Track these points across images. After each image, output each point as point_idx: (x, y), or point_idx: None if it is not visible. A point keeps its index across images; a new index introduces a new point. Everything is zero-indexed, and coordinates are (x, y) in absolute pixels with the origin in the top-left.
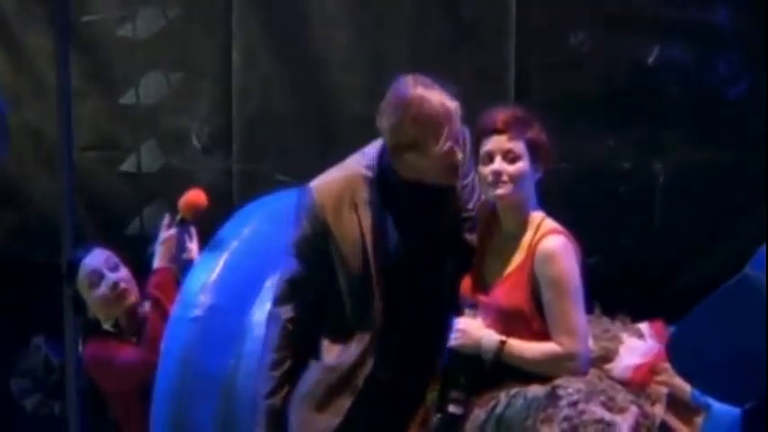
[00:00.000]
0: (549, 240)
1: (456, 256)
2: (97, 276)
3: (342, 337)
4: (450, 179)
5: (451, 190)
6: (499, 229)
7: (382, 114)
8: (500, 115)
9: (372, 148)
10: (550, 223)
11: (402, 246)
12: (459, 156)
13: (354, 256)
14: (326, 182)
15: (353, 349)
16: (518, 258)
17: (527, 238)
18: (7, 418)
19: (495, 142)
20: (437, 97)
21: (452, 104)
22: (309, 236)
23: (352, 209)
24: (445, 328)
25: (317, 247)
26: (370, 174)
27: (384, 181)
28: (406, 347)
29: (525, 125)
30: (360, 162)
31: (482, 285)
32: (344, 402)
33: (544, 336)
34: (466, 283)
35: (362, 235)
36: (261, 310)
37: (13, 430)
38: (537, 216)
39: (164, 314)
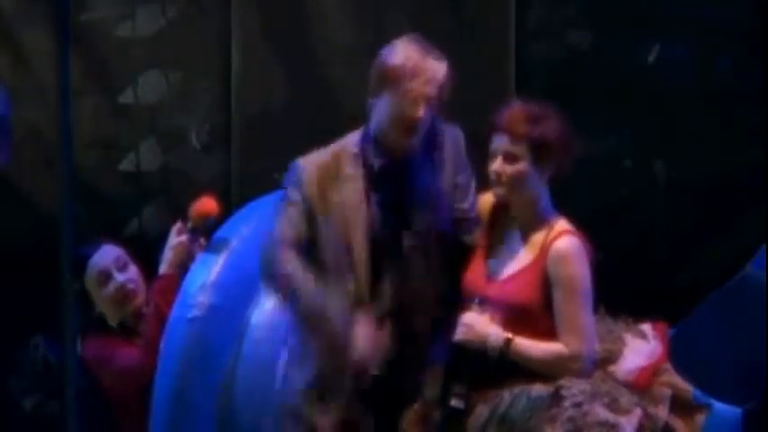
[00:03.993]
0: (564, 241)
1: (452, 256)
2: (105, 277)
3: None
4: (406, 138)
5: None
6: (508, 225)
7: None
8: (507, 114)
9: (362, 129)
10: (565, 224)
11: (383, 223)
12: (420, 113)
13: (338, 230)
14: (313, 158)
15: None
16: (530, 256)
17: (539, 237)
18: (6, 418)
19: (498, 141)
20: (412, 52)
21: (437, 65)
22: (300, 204)
23: (337, 183)
24: (435, 318)
25: (305, 216)
26: (356, 150)
27: (368, 158)
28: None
29: (532, 125)
30: (350, 139)
31: (488, 279)
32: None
33: (551, 335)
34: (470, 277)
35: (345, 209)
36: (260, 310)
37: (12, 430)
38: (550, 215)
39: (161, 320)
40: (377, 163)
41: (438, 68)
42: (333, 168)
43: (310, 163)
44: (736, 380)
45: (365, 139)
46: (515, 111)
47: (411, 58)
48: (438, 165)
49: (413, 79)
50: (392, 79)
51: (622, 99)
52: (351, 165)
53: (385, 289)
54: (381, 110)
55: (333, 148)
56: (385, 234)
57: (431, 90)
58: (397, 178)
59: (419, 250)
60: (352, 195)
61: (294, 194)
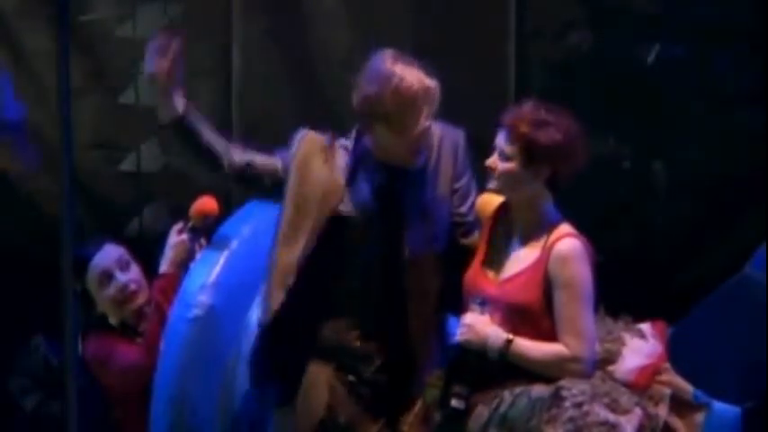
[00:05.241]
0: (566, 243)
1: (450, 259)
2: (107, 277)
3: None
4: (414, 161)
5: (420, 177)
6: (509, 225)
7: (359, 85)
8: (513, 112)
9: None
10: (566, 227)
11: (366, 234)
12: (426, 139)
13: (305, 199)
14: (314, 132)
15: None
16: (531, 257)
17: (541, 239)
18: (7, 418)
19: (498, 138)
20: (416, 74)
21: (431, 83)
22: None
23: (321, 160)
24: (411, 323)
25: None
26: (347, 151)
27: (358, 163)
28: (364, 339)
29: (532, 127)
30: (341, 141)
31: (489, 279)
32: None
33: (551, 336)
34: (471, 276)
35: (321, 186)
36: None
37: (12, 430)
38: (553, 219)
39: (162, 319)
40: (377, 178)
41: (433, 88)
42: (326, 149)
43: (311, 133)
44: (735, 380)
45: (360, 152)
46: (521, 110)
47: (411, 83)
48: (434, 173)
49: (415, 108)
50: (399, 111)
51: (622, 99)
52: (343, 158)
53: (377, 297)
54: (386, 137)
55: (335, 138)
56: (378, 243)
57: (432, 111)
58: (395, 190)
59: (415, 258)
60: (329, 181)
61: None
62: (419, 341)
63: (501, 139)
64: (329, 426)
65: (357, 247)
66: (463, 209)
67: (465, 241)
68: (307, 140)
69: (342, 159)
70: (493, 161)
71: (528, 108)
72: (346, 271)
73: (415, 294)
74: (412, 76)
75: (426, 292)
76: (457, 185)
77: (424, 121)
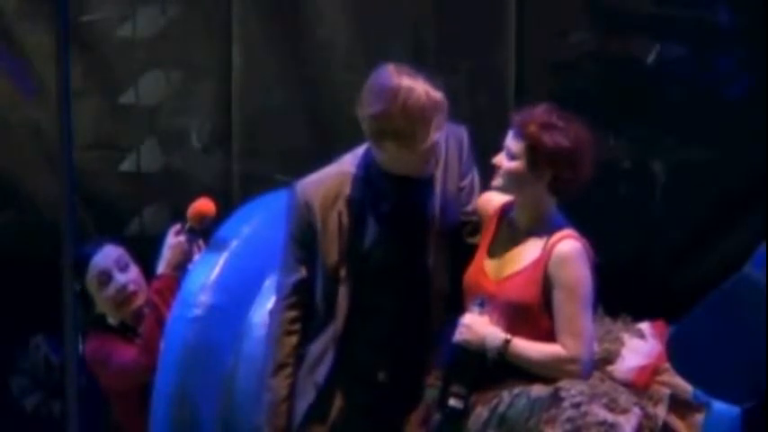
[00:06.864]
0: (566, 244)
1: (457, 259)
2: (106, 277)
3: (316, 328)
4: (426, 170)
5: (430, 183)
6: (510, 224)
7: (364, 102)
8: (525, 112)
9: (364, 147)
10: (568, 230)
11: (379, 242)
12: (436, 150)
13: (331, 252)
14: (313, 180)
15: (318, 344)
16: (532, 256)
17: (542, 239)
18: (7, 418)
19: (507, 136)
20: (423, 88)
21: (438, 95)
22: (297, 236)
23: (336, 206)
24: (428, 326)
25: (306, 246)
26: (357, 171)
27: (368, 176)
28: (376, 346)
29: (539, 129)
30: (350, 160)
31: (489, 278)
32: (311, 393)
33: (550, 336)
34: (472, 275)
35: (341, 231)
36: (261, 310)
37: (12, 430)
38: (556, 221)
39: (159, 320)
40: (386, 185)
41: (441, 99)
42: (334, 191)
43: (309, 186)
44: (735, 380)
45: (367, 159)
46: (533, 111)
47: (419, 97)
48: (444, 174)
49: (425, 121)
50: (408, 126)
51: (622, 99)
52: (350, 186)
53: (387, 296)
54: (396, 152)
55: (333, 169)
56: (381, 249)
57: (441, 122)
58: (407, 199)
59: (427, 257)
60: (348, 218)
61: (293, 221)
62: (433, 342)
63: (509, 138)
64: (341, 429)
65: (375, 256)
66: (469, 207)
67: (471, 240)
68: None
69: None
70: (499, 159)
71: (540, 110)
72: (366, 278)
73: (432, 296)
74: (419, 89)
75: (441, 294)
76: (462, 184)
77: (434, 134)
